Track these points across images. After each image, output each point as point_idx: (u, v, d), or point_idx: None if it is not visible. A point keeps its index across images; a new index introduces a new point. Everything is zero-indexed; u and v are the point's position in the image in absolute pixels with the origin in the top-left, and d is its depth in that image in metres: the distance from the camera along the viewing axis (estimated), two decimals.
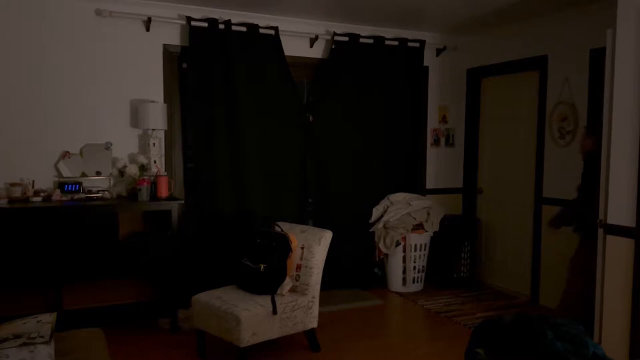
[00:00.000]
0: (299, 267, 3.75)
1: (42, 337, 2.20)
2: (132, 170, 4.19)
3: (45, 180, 4.07)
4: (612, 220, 3.26)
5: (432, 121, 5.65)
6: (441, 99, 5.66)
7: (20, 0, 4.02)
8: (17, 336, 2.18)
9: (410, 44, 5.30)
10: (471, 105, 5.68)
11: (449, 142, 5.74)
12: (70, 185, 4.04)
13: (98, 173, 4.21)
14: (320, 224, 4.61)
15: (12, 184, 3.88)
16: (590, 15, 4.35)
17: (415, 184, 5.52)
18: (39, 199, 3.88)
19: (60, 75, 4.17)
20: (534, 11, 4.63)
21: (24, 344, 2.12)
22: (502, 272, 5.37)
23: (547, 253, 4.79)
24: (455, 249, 5.33)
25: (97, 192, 4.11)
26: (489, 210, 5.54)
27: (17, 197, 3.83)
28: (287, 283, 3.66)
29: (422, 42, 5.36)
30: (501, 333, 1.09)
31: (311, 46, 5.00)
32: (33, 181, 4.00)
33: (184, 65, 4.55)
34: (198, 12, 4.51)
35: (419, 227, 5.17)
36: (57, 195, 3.94)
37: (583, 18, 4.42)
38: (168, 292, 4.16)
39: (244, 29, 4.62)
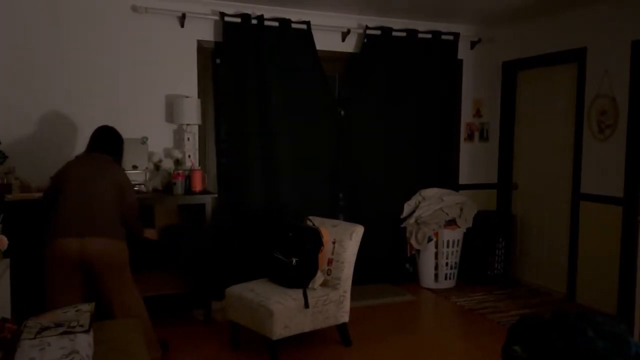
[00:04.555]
0: (330, 262, 3.75)
1: (82, 326, 2.25)
2: (168, 164, 4.26)
3: None
4: None
5: (466, 115, 5.57)
6: (475, 92, 5.57)
7: None
8: (58, 325, 2.24)
9: (444, 37, 5.23)
10: (506, 99, 5.57)
11: (483, 137, 5.65)
12: None
13: (134, 167, 4.29)
14: (351, 218, 4.60)
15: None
16: (632, 5, 4.20)
17: (448, 179, 5.45)
18: None
19: (98, 71, 4.26)
20: (573, 1, 4.50)
21: (65, 333, 2.17)
22: (537, 269, 5.26)
23: (585, 250, 4.68)
24: (489, 246, 5.25)
25: (134, 185, 4.19)
26: (525, 206, 5.43)
27: None
28: (319, 277, 3.67)
29: (457, 35, 5.28)
30: (539, 330, 1.07)
31: (343, 40, 4.98)
32: None
33: (218, 61, 4.59)
34: (231, 8, 4.55)
35: (451, 222, 5.11)
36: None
37: (624, 8, 4.28)
38: (202, 284, 4.22)
39: (276, 24, 4.63)
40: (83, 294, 3.14)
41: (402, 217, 5.20)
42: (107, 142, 3.33)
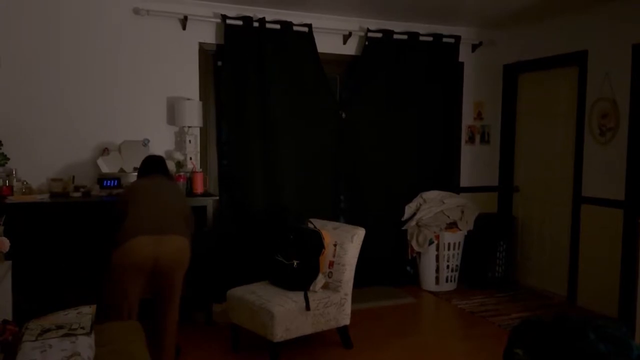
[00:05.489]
0: (331, 264, 3.75)
1: (83, 328, 2.26)
2: (169, 166, 4.25)
3: (85, 176, 4.18)
4: None
5: (467, 118, 5.57)
6: (476, 95, 5.58)
7: None
8: (59, 327, 2.24)
9: (445, 40, 5.24)
10: (507, 102, 5.57)
11: (484, 139, 5.65)
12: (108, 181, 4.12)
13: (136, 169, 4.29)
14: (352, 221, 4.60)
15: (54, 180, 4.00)
16: (633, 9, 4.21)
17: (449, 182, 5.45)
18: (78, 194, 3.98)
19: (100, 74, 4.27)
20: (574, 5, 4.51)
21: (66, 335, 2.18)
22: (538, 272, 5.26)
23: (586, 253, 4.67)
24: (490, 248, 5.24)
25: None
26: (526, 209, 5.43)
27: (58, 192, 3.94)
28: (320, 280, 3.67)
29: (458, 38, 5.28)
30: (541, 333, 1.07)
31: (344, 43, 4.99)
32: (73, 177, 4.11)
33: (219, 63, 4.60)
34: (233, 11, 4.56)
35: (452, 225, 5.11)
36: (96, 190, 4.04)
37: (625, 12, 4.29)
38: (203, 286, 4.22)
39: (278, 26, 4.64)
40: (142, 291, 3.20)
41: (403, 219, 5.20)
42: (160, 166, 3.58)
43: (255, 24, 4.56)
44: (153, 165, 3.56)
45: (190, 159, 4.39)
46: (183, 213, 3.36)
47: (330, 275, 3.75)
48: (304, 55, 4.77)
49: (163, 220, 3.17)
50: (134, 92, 4.37)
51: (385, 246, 5.15)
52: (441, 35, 5.21)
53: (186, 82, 4.52)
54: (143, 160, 3.63)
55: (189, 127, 4.38)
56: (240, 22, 4.52)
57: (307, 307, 3.49)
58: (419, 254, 5.17)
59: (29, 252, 3.63)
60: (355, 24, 5.00)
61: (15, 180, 3.89)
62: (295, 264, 3.66)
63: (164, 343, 3.26)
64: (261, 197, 4.70)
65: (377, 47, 5.00)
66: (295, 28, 4.70)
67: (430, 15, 4.90)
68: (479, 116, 5.61)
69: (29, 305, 3.26)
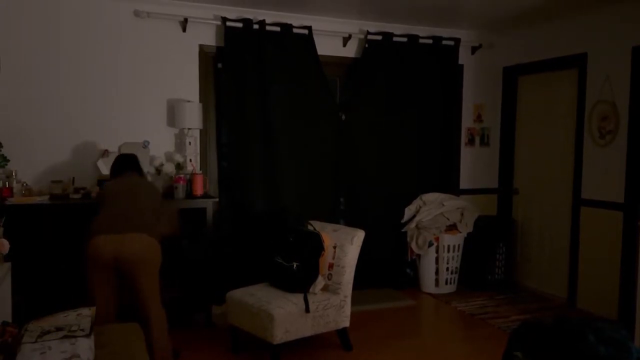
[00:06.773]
0: (331, 266, 3.75)
1: (83, 330, 2.26)
2: (169, 168, 4.27)
3: (85, 178, 4.18)
4: None
5: (467, 120, 5.57)
6: (476, 97, 5.58)
7: (60, 1, 4.14)
8: (59, 329, 2.24)
9: (444, 42, 5.24)
10: (507, 104, 5.58)
11: (484, 142, 5.66)
12: None
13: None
14: (352, 223, 4.60)
15: (54, 181, 4.00)
16: (632, 11, 4.22)
17: (449, 184, 5.45)
18: (78, 195, 3.98)
19: (100, 76, 4.27)
20: (574, 7, 4.51)
21: (66, 337, 2.18)
22: (538, 274, 5.26)
23: (586, 255, 4.67)
24: (490, 251, 5.24)
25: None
26: (526, 211, 5.43)
27: (58, 193, 3.94)
28: (320, 282, 3.67)
29: (457, 40, 5.29)
30: (540, 336, 1.07)
31: (344, 45, 4.99)
32: (73, 178, 4.11)
33: (219, 65, 4.60)
34: (233, 13, 4.56)
35: (452, 227, 5.11)
36: (96, 192, 4.04)
37: (625, 14, 4.30)
38: (202, 288, 4.22)
39: (277, 28, 4.65)
40: (116, 290, 3.25)
41: (402, 221, 5.20)
42: (131, 163, 3.59)
43: (255, 26, 4.57)
44: (125, 164, 3.56)
45: (190, 160, 4.39)
46: (154, 210, 3.34)
47: (329, 277, 3.75)
48: (303, 58, 4.77)
49: (125, 218, 3.18)
50: (134, 94, 4.37)
51: (385, 248, 5.15)
52: (441, 38, 5.22)
53: (186, 84, 4.52)
54: (114, 160, 3.63)
55: (189, 129, 4.39)
56: (240, 25, 4.52)
57: (307, 309, 3.49)
58: (418, 256, 5.17)
59: (28, 253, 3.63)
60: (355, 26, 5.01)
61: (15, 181, 3.89)
62: (294, 266, 3.66)
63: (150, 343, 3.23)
64: (261, 199, 4.71)
65: (376, 49, 5.00)
66: (295, 30, 4.71)
67: (429, 17, 4.91)
68: (478, 118, 5.62)
69: (28, 306, 3.26)
